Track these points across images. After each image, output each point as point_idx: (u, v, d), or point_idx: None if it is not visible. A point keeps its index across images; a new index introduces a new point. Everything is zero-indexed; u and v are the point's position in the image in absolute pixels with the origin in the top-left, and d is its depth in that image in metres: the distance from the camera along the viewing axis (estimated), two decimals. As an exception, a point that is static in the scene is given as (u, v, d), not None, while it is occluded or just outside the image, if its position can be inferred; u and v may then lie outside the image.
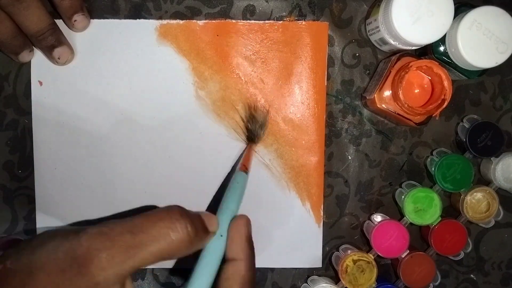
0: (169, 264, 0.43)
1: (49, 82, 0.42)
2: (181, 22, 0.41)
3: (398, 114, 0.39)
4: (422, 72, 0.39)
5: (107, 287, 0.24)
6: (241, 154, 0.41)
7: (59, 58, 0.40)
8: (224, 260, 0.29)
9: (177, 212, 0.26)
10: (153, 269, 0.44)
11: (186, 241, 0.26)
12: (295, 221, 0.43)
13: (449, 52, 0.38)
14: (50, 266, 0.24)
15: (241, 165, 0.37)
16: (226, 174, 0.42)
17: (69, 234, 0.25)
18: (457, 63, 0.38)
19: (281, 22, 0.42)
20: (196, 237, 0.26)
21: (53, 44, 0.39)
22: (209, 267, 0.28)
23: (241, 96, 0.42)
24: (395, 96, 0.38)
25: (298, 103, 0.42)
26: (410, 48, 0.39)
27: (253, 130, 0.41)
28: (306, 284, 0.43)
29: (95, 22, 0.41)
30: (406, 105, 0.37)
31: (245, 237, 0.30)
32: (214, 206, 0.42)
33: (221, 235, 0.29)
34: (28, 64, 0.41)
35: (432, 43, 0.37)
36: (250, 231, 0.30)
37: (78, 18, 0.39)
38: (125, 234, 0.25)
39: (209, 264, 0.28)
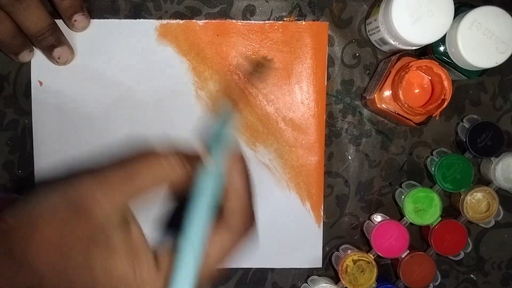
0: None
1: (49, 82, 0.42)
2: (181, 22, 0.41)
3: (398, 114, 0.38)
4: (422, 72, 0.39)
5: (109, 223, 0.24)
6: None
7: (59, 58, 0.40)
8: (225, 197, 0.28)
9: (174, 153, 0.26)
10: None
11: (184, 178, 0.26)
12: (295, 221, 0.43)
13: (449, 52, 0.38)
14: (51, 216, 0.24)
15: (229, 97, 0.37)
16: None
17: (65, 185, 0.25)
18: (457, 63, 0.38)
19: (281, 22, 0.42)
20: (191, 168, 0.27)
21: (53, 44, 0.39)
22: (207, 195, 0.27)
23: (241, 96, 0.42)
24: (395, 96, 0.38)
25: (298, 103, 0.42)
26: (410, 48, 0.39)
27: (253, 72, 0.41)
28: (306, 284, 0.43)
29: (95, 22, 0.41)
30: (406, 105, 0.37)
31: (243, 171, 0.29)
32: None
33: (218, 170, 0.28)
34: (28, 64, 0.41)
35: (432, 43, 0.37)
36: (247, 166, 0.29)
37: (78, 18, 0.39)
38: (124, 180, 0.25)
39: (207, 192, 0.27)
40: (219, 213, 0.28)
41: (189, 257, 0.25)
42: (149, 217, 0.41)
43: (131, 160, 0.26)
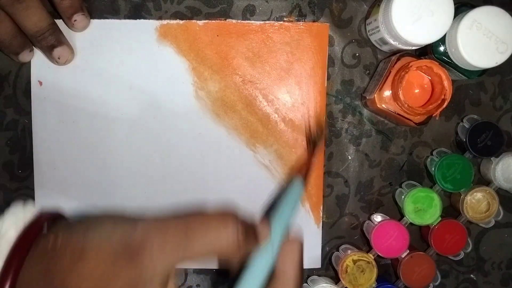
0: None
1: (49, 82, 0.42)
2: (181, 22, 0.41)
3: (398, 114, 0.38)
4: (422, 72, 0.39)
5: (153, 280, 0.24)
6: (305, 161, 0.39)
7: (59, 58, 0.40)
8: (272, 273, 0.27)
9: (232, 216, 0.26)
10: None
11: (235, 246, 0.25)
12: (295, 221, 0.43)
13: (449, 52, 0.38)
14: (103, 248, 0.23)
15: (301, 171, 0.35)
16: (226, 177, 0.42)
17: (126, 220, 0.24)
18: (457, 63, 0.38)
19: (281, 22, 0.42)
20: (246, 244, 0.26)
21: (53, 44, 0.39)
22: (256, 276, 0.26)
23: (240, 96, 0.42)
24: (395, 96, 0.38)
25: (298, 103, 0.42)
26: (410, 48, 0.39)
27: (316, 137, 0.41)
28: (306, 284, 0.43)
29: (95, 22, 0.41)
30: (406, 105, 0.37)
31: (298, 260, 0.28)
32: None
33: (273, 251, 0.27)
34: (28, 64, 0.41)
35: (432, 43, 0.37)
36: (302, 256, 0.29)
37: (78, 18, 0.39)
38: (179, 227, 0.24)
39: (256, 272, 0.26)
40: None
41: None
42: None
43: (192, 219, 0.25)
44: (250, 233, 0.26)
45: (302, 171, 0.36)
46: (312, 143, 0.40)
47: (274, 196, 0.41)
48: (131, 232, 0.24)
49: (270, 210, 0.31)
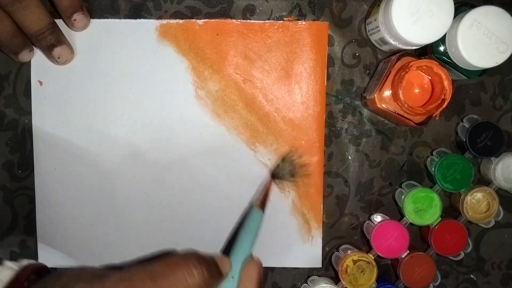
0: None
1: (49, 82, 0.42)
2: (181, 21, 0.41)
3: (398, 114, 0.38)
4: (422, 72, 0.39)
5: None
6: (262, 189, 0.40)
7: (59, 58, 0.40)
8: None
9: (194, 258, 0.28)
10: None
11: (202, 285, 0.27)
12: (295, 221, 0.43)
13: (449, 52, 0.38)
14: None
15: (259, 203, 0.37)
16: (227, 177, 0.42)
17: (94, 279, 0.26)
18: (457, 63, 0.38)
19: (281, 21, 0.42)
20: (211, 280, 0.28)
21: (53, 44, 0.39)
22: None
23: (240, 96, 0.42)
24: (395, 96, 0.38)
25: (298, 103, 0.42)
26: (410, 48, 0.39)
27: (283, 172, 0.41)
28: (306, 284, 0.43)
29: (95, 21, 0.41)
30: (406, 105, 0.37)
31: (256, 283, 0.31)
32: (212, 207, 0.42)
33: (233, 277, 0.30)
34: (28, 64, 0.41)
35: (432, 43, 0.37)
36: (261, 277, 0.32)
37: (78, 17, 0.39)
38: (146, 280, 0.26)
39: None
40: None
41: None
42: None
43: (158, 265, 0.27)
44: (213, 268, 0.29)
45: (260, 201, 0.37)
46: (277, 175, 0.41)
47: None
48: (98, 286, 0.26)
49: (231, 243, 0.34)
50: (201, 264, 0.27)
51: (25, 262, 0.29)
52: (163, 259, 0.28)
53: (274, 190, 0.42)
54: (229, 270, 0.30)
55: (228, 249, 0.33)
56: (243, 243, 0.33)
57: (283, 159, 0.41)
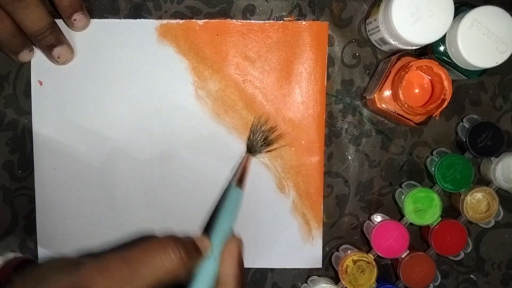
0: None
1: (49, 82, 0.42)
2: (181, 21, 0.41)
3: (398, 114, 0.38)
4: (422, 72, 0.39)
5: None
6: (239, 166, 0.40)
7: (59, 58, 0.40)
8: (216, 282, 0.30)
9: (171, 241, 0.28)
10: None
11: (181, 266, 0.27)
12: (295, 221, 0.43)
13: (449, 52, 0.38)
14: None
15: (237, 180, 0.37)
16: (226, 176, 0.42)
17: (70, 268, 0.26)
18: (457, 63, 0.38)
19: (281, 21, 0.42)
20: (190, 262, 0.28)
21: (53, 43, 0.39)
22: (201, 285, 0.29)
23: (240, 96, 0.42)
24: (395, 96, 0.38)
25: (298, 103, 0.42)
26: (410, 48, 0.39)
27: (256, 143, 0.40)
28: (306, 284, 0.43)
29: (95, 21, 0.41)
30: (406, 105, 0.37)
31: (236, 260, 0.31)
32: (212, 209, 0.42)
33: (214, 258, 0.30)
34: (28, 64, 0.41)
35: (432, 43, 0.37)
36: (241, 254, 0.31)
37: (78, 17, 0.39)
38: (122, 266, 0.26)
39: (201, 282, 0.29)
40: None
41: None
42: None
43: (133, 250, 0.27)
44: (192, 248, 0.28)
45: (238, 178, 0.37)
46: (252, 149, 0.41)
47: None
48: (75, 277, 0.26)
49: (211, 221, 0.33)
50: (178, 247, 0.27)
51: (11, 255, 0.29)
52: (140, 244, 0.28)
53: (273, 188, 0.42)
54: (209, 249, 0.30)
55: (208, 229, 0.32)
56: (223, 222, 0.32)
57: (252, 131, 0.41)
